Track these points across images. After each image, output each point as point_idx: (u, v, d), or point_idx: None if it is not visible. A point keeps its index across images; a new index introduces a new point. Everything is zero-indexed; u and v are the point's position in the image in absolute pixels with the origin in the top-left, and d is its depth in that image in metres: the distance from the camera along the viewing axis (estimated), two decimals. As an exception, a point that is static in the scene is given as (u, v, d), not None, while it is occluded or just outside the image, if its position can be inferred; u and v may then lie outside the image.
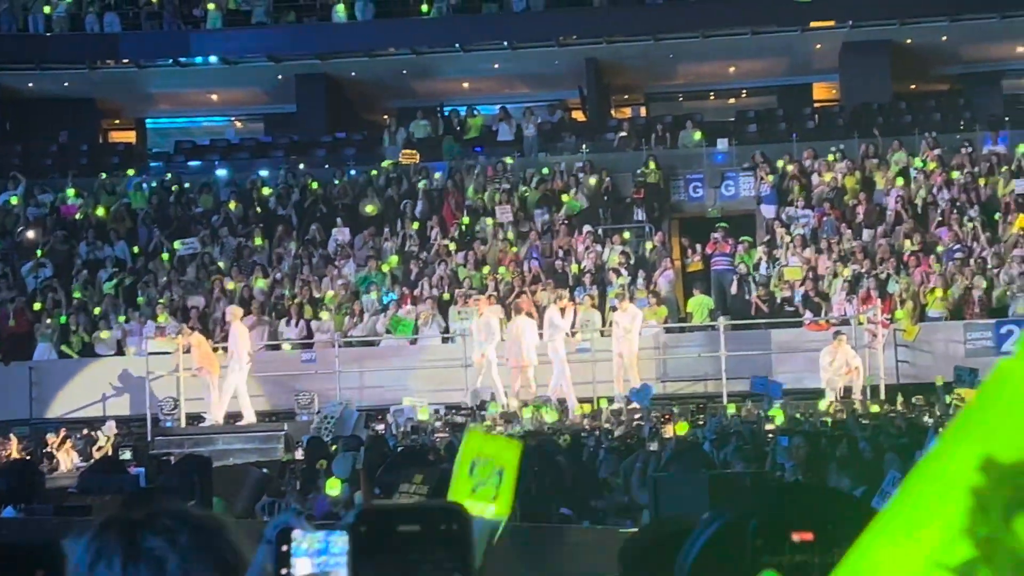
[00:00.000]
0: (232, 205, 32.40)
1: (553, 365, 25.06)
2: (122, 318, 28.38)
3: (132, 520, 2.08)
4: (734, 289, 27.86)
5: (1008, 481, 1.05)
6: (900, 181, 30.15)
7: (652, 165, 31.73)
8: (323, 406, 24.77)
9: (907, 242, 28.03)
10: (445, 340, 27.13)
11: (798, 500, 1.76)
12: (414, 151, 33.67)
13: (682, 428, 19.45)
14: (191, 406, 25.47)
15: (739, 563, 1.69)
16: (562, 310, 25.63)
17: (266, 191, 32.96)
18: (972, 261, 27.03)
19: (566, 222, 30.20)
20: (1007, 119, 33.38)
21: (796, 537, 1.67)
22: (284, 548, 1.92)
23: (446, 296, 27.91)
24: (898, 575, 1.09)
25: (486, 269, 28.69)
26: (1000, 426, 1.07)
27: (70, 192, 33.03)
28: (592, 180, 31.53)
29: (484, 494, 2.45)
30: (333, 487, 13.88)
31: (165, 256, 30.49)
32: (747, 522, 1.68)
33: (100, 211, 32.55)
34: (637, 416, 22.03)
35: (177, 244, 30.66)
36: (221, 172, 34.88)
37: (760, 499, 1.85)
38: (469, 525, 1.62)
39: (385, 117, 37.43)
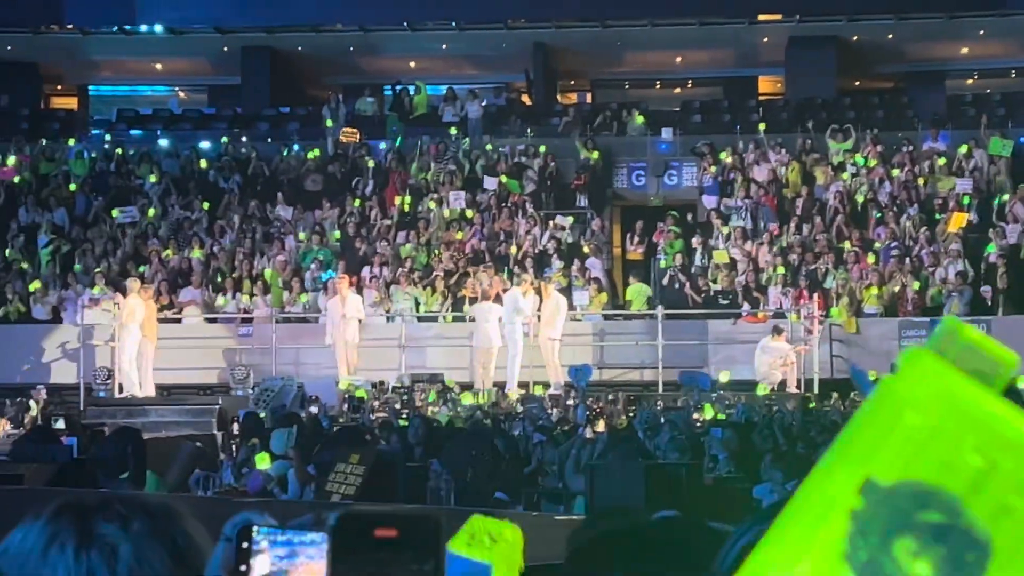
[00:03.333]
0: (172, 176, 32.21)
1: (508, 348, 25.03)
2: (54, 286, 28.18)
3: (86, 505, 2.09)
4: (665, 280, 27.89)
5: (887, 504, 1.03)
6: (845, 176, 30.34)
7: (592, 152, 31.76)
8: (263, 380, 24.64)
9: (847, 240, 28.16)
10: (390, 320, 27.01)
11: None
12: (354, 129, 33.51)
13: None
14: (125, 376, 25.32)
15: None
16: (524, 292, 25.52)
17: (208, 163, 32.78)
18: (908, 260, 27.24)
19: (508, 205, 30.17)
20: (949, 119, 33.64)
21: None
22: (244, 545, 1.92)
23: (388, 276, 27.88)
24: None
25: (436, 251, 28.63)
26: (880, 446, 1.06)
27: (11, 160, 32.72)
28: (537, 164, 31.58)
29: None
30: (263, 461, 13.87)
31: (105, 225, 30.31)
32: None
33: (39, 176, 32.34)
34: (573, 401, 22.02)
35: (115, 212, 30.46)
36: (163, 142, 34.63)
37: None
38: (442, 532, 1.64)
39: (329, 93, 37.24)
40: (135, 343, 24.77)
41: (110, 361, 25.62)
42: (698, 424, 18.76)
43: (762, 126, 32.33)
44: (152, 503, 2.15)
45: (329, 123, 33.95)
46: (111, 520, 2.07)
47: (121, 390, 25.17)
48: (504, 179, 30.97)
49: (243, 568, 1.93)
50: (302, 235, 29.47)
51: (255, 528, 1.93)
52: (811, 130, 32.07)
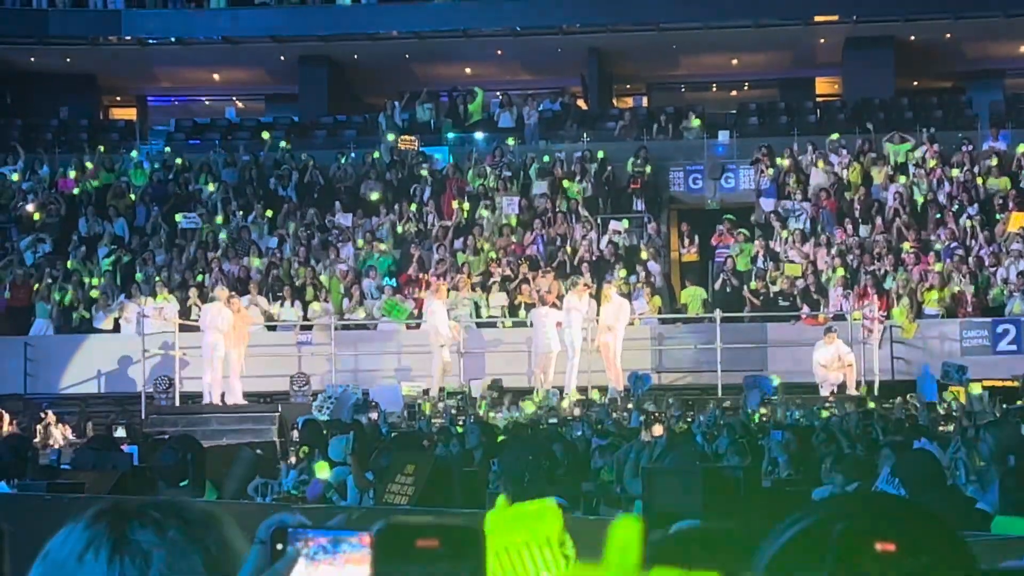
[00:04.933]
0: (230, 185, 32.36)
1: (567, 352, 25.03)
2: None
3: (122, 511, 2.10)
4: (718, 283, 27.83)
5: None
6: (903, 179, 30.14)
7: (642, 158, 31.67)
8: (326, 386, 24.70)
9: (906, 241, 27.97)
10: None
11: (883, 510, 1.74)
12: (411, 136, 33.56)
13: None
14: (185, 385, 25.47)
15: (818, 565, 1.68)
16: (580, 297, 25.50)
17: (265, 172, 32.93)
18: (970, 259, 27.02)
19: (563, 211, 30.14)
20: (1009, 118, 33.36)
21: (879, 547, 1.65)
22: (279, 547, 1.93)
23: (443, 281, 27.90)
24: None
25: (493, 254, 28.67)
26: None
27: (79, 168, 32.96)
28: (594, 169, 31.54)
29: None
30: (322, 470, 13.86)
31: (164, 234, 30.52)
32: (833, 525, 1.70)
33: (98, 187, 32.56)
34: (629, 406, 22.04)
35: (179, 216, 30.67)
36: (221, 151, 34.79)
37: (846, 505, 1.86)
38: (482, 544, 1.63)
39: (385, 101, 37.27)
40: (211, 350, 24.82)
41: (171, 370, 25.78)
42: (764, 419, 18.70)
43: (835, 135, 31.97)
44: (190, 511, 2.15)
45: (391, 137, 33.97)
46: (146, 526, 2.08)
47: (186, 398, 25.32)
48: (565, 183, 30.96)
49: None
50: (360, 242, 29.56)
51: (289, 529, 1.94)
52: (870, 131, 31.87)
